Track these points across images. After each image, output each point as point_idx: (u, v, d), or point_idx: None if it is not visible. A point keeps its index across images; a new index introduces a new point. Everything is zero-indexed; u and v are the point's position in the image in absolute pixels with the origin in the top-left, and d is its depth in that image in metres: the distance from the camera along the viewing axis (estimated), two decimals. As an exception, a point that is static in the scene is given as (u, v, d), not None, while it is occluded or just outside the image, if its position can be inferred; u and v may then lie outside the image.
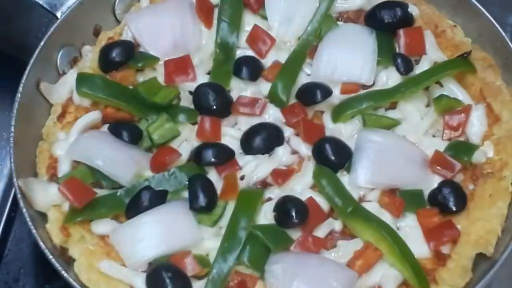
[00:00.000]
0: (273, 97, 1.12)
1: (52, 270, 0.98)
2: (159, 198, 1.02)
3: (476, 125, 1.10)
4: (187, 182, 1.04)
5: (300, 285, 0.93)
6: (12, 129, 1.06)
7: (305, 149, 1.08)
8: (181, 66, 1.15)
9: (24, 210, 1.02)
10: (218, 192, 1.04)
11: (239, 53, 1.17)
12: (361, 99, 1.10)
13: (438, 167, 1.05)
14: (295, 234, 1.00)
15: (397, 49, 1.16)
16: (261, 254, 0.98)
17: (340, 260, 0.98)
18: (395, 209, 1.01)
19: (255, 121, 1.10)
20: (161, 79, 1.15)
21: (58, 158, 1.09)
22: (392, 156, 1.04)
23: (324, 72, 1.13)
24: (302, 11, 1.18)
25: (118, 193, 1.04)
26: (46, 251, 0.98)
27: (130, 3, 1.26)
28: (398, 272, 0.98)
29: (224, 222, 1.02)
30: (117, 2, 1.25)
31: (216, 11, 1.20)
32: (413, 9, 1.19)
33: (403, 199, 1.02)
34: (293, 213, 0.99)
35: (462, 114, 1.09)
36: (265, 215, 1.02)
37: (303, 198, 1.02)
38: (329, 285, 0.93)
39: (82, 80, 1.13)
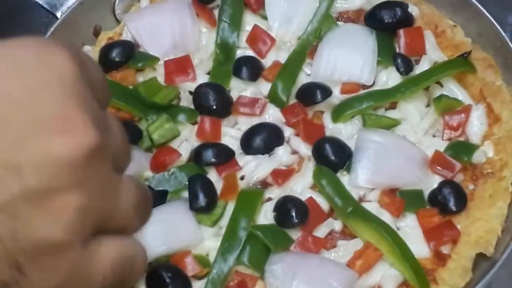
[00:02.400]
0: (273, 97, 1.12)
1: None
2: (159, 198, 1.02)
3: (476, 125, 1.10)
4: (187, 182, 1.04)
5: (300, 285, 0.93)
6: (13, 129, 1.06)
7: (305, 149, 1.08)
8: (181, 66, 1.15)
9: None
10: (218, 192, 1.04)
11: (239, 53, 1.17)
12: (361, 99, 1.10)
13: (438, 167, 1.05)
14: (295, 234, 1.00)
15: (397, 49, 1.15)
16: (261, 254, 0.98)
17: (340, 260, 0.98)
18: (395, 209, 1.01)
19: (255, 121, 1.10)
20: (161, 79, 1.15)
21: (58, 158, 1.08)
22: (392, 156, 1.04)
23: (324, 72, 1.13)
24: (302, 11, 1.18)
25: (118, 193, 1.04)
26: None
27: (130, 3, 1.26)
28: (398, 272, 0.98)
29: (224, 222, 1.02)
30: (117, 2, 1.25)
31: (216, 11, 1.20)
32: (413, 9, 1.18)
33: (403, 199, 1.02)
34: (293, 213, 0.99)
35: (462, 114, 1.09)
36: (265, 215, 1.02)
37: (303, 198, 1.02)
38: (329, 285, 0.93)
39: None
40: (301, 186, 1.05)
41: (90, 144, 0.44)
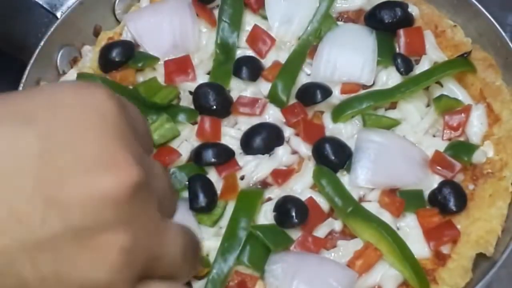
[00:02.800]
0: (273, 97, 1.12)
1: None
2: (159, 198, 1.02)
3: (476, 125, 1.10)
4: (187, 182, 1.04)
5: (300, 285, 0.93)
6: (13, 129, 1.06)
7: (305, 149, 1.08)
8: (181, 66, 1.15)
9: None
10: (218, 192, 1.04)
11: (239, 53, 1.17)
12: (361, 99, 1.10)
13: (438, 167, 1.05)
14: (295, 234, 1.00)
15: (397, 49, 1.15)
16: (261, 254, 0.98)
17: (340, 260, 0.98)
18: (395, 209, 1.01)
19: (255, 121, 1.10)
20: (161, 79, 1.15)
21: (58, 158, 1.08)
22: (392, 156, 1.04)
23: (324, 72, 1.13)
24: (302, 11, 1.18)
25: (118, 193, 1.04)
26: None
27: (130, 3, 1.26)
28: (398, 272, 0.98)
29: (224, 222, 1.02)
30: (117, 2, 1.25)
31: (216, 11, 1.20)
32: (413, 9, 1.19)
33: (403, 199, 1.02)
34: (293, 213, 0.98)
35: (462, 114, 1.09)
36: (265, 215, 1.02)
37: (303, 198, 1.02)
38: (329, 285, 0.93)
39: (82, 80, 1.13)
40: (301, 186, 1.05)
41: (133, 181, 0.43)
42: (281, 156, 1.07)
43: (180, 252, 0.49)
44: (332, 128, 1.10)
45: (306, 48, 1.16)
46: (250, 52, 1.17)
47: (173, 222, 0.50)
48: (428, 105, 1.13)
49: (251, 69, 1.14)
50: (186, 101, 1.14)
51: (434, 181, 1.04)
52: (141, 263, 0.45)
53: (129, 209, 0.43)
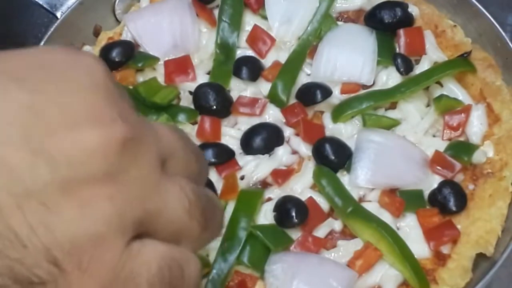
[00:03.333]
0: (273, 97, 1.12)
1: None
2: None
3: (476, 125, 1.10)
4: (187, 182, 1.04)
5: (300, 285, 0.93)
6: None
7: (305, 149, 1.08)
8: (181, 66, 1.15)
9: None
10: (218, 192, 1.04)
11: (239, 53, 1.17)
12: (361, 99, 1.10)
13: (438, 167, 1.05)
14: (295, 234, 1.00)
15: (397, 49, 1.15)
16: (261, 254, 0.98)
17: (340, 260, 0.98)
18: (395, 209, 1.01)
19: (255, 121, 1.10)
20: (161, 79, 1.15)
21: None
22: (392, 156, 1.04)
23: (324, 72, 1.13)
24: (302, 11, 1.18)
25: (118, 193, 1.04)
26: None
27: (130, 3, 1.26)
28: (398, 272, 0.98)
29: (224, 222, 1.02)
30: (117, 2, 1.25)
31: (216, 11, 1.20)
32: (413, 9, 1.19)
33: (403, 199, 1.02)
34: (293, 213, 0.99)
35: (462, 114, 1.09)
36: (265, 215, 1.02)
37: (303, 198, 1.02)
38: (329, 285, 0.93)
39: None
40: (301, 186, 1.05)
41: (119, 136, 0.44)
42: (281, 156, 1.07)
43: (183, 208, 0.48)
44: (332, 128, 1.10)
45: (306, 48, 1.16)
46: (250, 52, 1.17)
47: (182, 181, 0.49)
48: (428, 105, 1.13)
49: (251, 69, 1.14)
50: (186, 101, 1.14)
51: (434, 181, 1.04)
52: (134, 216, 0.45)
53: (118, 162, 0.44)
